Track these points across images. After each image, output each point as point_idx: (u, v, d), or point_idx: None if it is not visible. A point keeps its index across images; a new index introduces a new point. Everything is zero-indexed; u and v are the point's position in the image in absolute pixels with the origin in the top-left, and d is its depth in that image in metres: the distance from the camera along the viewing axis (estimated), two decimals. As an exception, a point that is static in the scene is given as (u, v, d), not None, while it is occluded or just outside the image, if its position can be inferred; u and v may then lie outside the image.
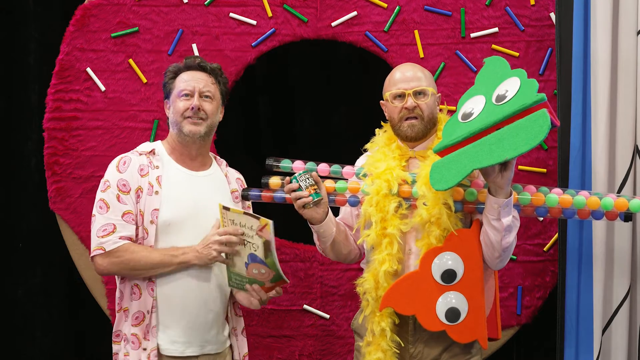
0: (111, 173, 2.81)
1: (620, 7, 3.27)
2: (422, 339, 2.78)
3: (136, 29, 3.61)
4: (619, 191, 3.24)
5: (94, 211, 2.79)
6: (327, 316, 3.63)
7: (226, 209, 2.74)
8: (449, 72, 3.60)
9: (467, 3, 3.60)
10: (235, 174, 3.03)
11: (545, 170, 3.56)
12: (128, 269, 2.75)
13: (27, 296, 3.94)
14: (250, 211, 2.88)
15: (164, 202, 2.79)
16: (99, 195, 2.79)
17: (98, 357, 3.98)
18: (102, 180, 2.81)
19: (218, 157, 3.02)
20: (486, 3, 3.59)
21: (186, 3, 3.63)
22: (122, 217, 2.75)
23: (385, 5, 3.61)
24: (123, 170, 2.79)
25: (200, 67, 2.89)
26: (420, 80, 2.83)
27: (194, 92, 2.84)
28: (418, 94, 2.81)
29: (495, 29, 3.59)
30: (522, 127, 2.54)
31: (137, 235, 2.78)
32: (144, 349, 2.75)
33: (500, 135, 2.58)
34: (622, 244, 3.26)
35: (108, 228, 2.74)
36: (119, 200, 2.76)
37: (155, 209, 2.77)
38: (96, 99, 3.62)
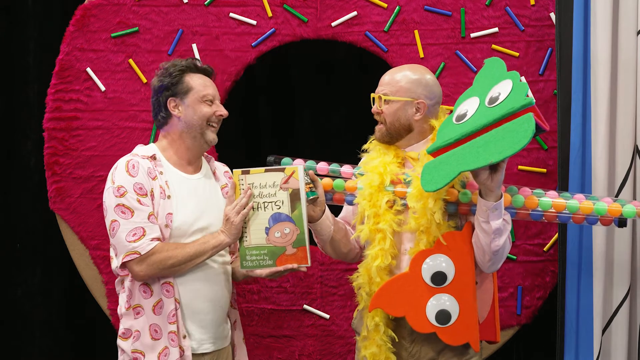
0: (123, 177, 2.74)
1: (620, 7, 3.28)
2: (420, 338, 2.79)
3: (136, 29, 3.61)
4: (619, 191, 3.24)
5: (114, 217, 2.72)
6: (327, 316, 3.63)
7: (245, 172, 2.75)
8: (449, 72, 3.60)
9: (467, 3, 3.60)
10: (222, 168, 3.04)
11: (545, 170, 3.56)
12: (168, 267, 2.72)
13: (27, 296, 3.94)
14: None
15: (176, 207, 2.79)
16: (115, 200, 2.72)
17: (98, 357, 4.00)
18: (114, 186, 2.74)
19: (206, 154, 3.00)
20: (486, 3, 3.59)
21: (186, 3, 3.63)
22: (148, 219, 2.72)
23: (385, 5, 3.61)
24: (135, 174, 2.75)
25: (205, 71, 2.90)
26: (387, 86, 2.83)
27: (214, 99, 2.86)
28: (380, 99, 2.83)
29: (495, 29, 3.59)
30: (508, 131, 2.54)
31: None
32: (182, 348, 2.75)
33: (488, 138, 2.58)
34: (622, 243, 3.26)
35: (138, 232, 2.71)
36: (140, 204, 2.72)
37: (169, 213, 2.76)
38: (96, 99, 3.62)
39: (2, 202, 3.95)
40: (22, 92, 3.92)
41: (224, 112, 2.87)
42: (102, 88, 3.61)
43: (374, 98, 2.87)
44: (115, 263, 2.77)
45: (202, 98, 2.83)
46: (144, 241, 2.70)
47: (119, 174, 2.76)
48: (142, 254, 2.70)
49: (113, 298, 3.59)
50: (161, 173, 2.81)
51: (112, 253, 2.79)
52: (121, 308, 2.82)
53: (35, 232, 3.93)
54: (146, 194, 2.74)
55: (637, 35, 3.26)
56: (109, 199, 2.75)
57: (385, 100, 2.83)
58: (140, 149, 2.87)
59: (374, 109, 2.86)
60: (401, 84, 2.82)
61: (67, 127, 3.60)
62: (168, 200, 2.77)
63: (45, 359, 3.96)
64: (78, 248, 3.63)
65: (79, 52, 3.61)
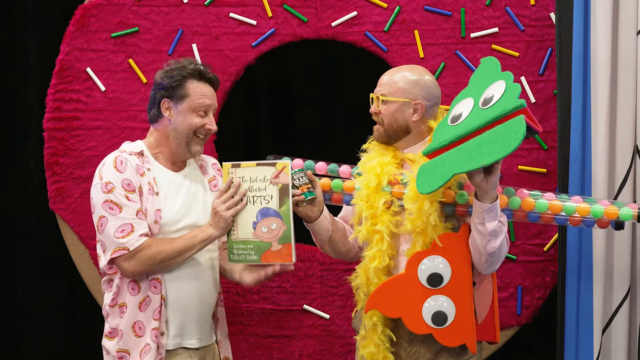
0: (111, 173, 2.74)
1: (620, 7, 3.28)
2: (418, 339, 2.79)
3: (136, 29, 3.61)
4: (619, 191, 3.24)
5: (102, 213, 2.71)
6: (327, 316, 3.63)
7: (236, 165, 2.75)
8: (449, 72, 3.60)
9: (467, 3, 3.60)
10: (210, 160, 3.03)
11: (545, 170, 3.56)
12: (157, 262, 2.72)
13: (27, 296, 3.94)
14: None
15: (164, 203, 2.79)
16: (102, 196, 2.72)
17: (98, 357, 4.00)
18: (102, 182, 2.73)
19: None
20: (486, 3, 3.59)
21: (186, 3, 3.63)
22: (136, 215, 2.72)
23: (385, 5, 3.61)
24: (123, 170, 2.74)
25: (210, 81, 2.86)
26: (385, 86, 2.83)
27: (209, 110, 2.83)
28: (378, 99, 2.83)
29: (495, 29, 3.59)
30: (500, 133, 2.54)
31: None
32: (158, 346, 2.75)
33: (481, 140, 2.58)
34: (622, 243, 3.26)
35: (126, 228, 2.70)
36: (129, 200, 2.72)
37: (158, 210, 2.77)
38: (96, 99, 3.62)
39: (2, 202, 3.95)
40: (22, 92, 3.92)
41: (213, 127, 2.84)
42: (102, 88, 3.61)
43: (372, 98, 2.87)
44: (103, 261, 2.76)
45: (195, 108, 2.81)
46: (133, 237, 2.70)
47: (107, 170, 2.75)
48: (130, 250, 2.70)
49: (113, 298, 3.59)
50: (149, 170, 2.81)
51: (99, 251, 2.78)
52: (106, 306, 2.81)
53: (35, 232, 3.93)
54: (134, 190, 2.74)
55: (637, 35, 3.26)
56: (97, 195, 2.74)
57: (383, 100, 2.83)
58: (127, 146, 2.86)
59: (372, 109, 2.86)
60: (399, 84, 2.82)
61: (67, 127, 3.60)
62: (156, 197, 2.78)
63: (45, 359, 3.96)
64: (78, 248, 3.63)
65: (79, 52, 3.61)
